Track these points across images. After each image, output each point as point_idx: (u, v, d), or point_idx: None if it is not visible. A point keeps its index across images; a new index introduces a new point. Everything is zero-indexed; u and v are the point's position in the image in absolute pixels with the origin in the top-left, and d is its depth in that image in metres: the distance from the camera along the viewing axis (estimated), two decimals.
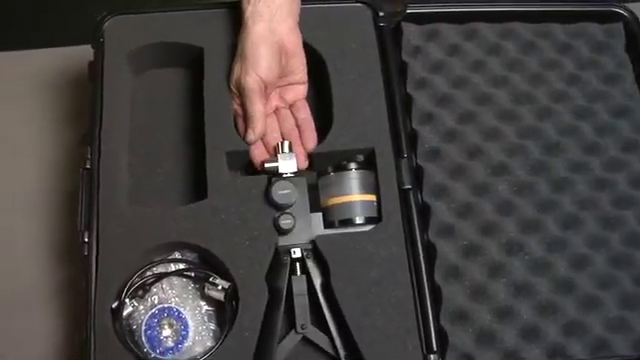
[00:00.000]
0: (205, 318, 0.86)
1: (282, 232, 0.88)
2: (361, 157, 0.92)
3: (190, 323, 0.84)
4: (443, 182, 0.94)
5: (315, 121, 0.96)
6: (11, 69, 1.12)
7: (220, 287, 0.85)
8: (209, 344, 0.85)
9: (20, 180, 1.04)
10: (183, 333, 0.84)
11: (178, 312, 0.84)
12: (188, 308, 0.85)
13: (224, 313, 0.86)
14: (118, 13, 0.98)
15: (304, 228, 0.89)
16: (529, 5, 1.07)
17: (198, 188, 0.93)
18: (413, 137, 0.97)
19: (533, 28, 1.05)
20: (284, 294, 0.86)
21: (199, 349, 0.84)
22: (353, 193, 0.90)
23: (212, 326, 0.86)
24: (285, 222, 0.87)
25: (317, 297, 0.87)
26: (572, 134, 0.99)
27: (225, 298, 0.85)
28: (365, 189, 0.90)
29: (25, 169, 1.05)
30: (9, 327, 0.94)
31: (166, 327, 0.84)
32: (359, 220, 0.89)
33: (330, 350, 0.86)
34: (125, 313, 0.85)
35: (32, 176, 1.04)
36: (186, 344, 0.83)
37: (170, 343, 0.84)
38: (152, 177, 0.96)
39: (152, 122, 0.99)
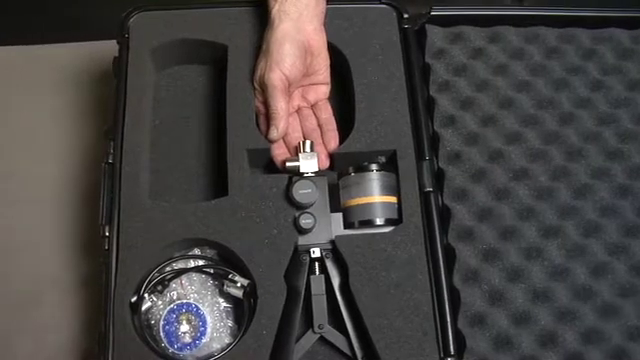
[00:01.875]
0: (223, 315, 0.86)
1: (302, 231, 0.88)
2: (383, 158, 0.92)
3: (208, 319, 0.84)
4: (464, 185, 0.94)
5: (337, 121, 0.96)
6: (37, 63, 1.12)
7: (239, 284, 0.85)
8: (226, 341, 0.85)
9: (43, 173, 1.05)
10: (201, 329, 0.84)
11: (197, 308, 0.84)
12: (207, 304, 0.86)
13: (242, 310, 0.86)
14: (143, 9, 0.99)
15: (324, 228, 0.89)
16: (555, 10, 1.06)
17: (219, 185, 0.93)
18: (435, 140, 0.97)
19: (558, 33, 1.05)
20: (302, 293, 0.86)
21: (216, 345, 0.84)
22: (374, 194, 0.89)
23: (230, 323, 0.86)
24: (305, 222, 0.87)
25: (335, 297, 0.87)
26: (595, 140, 0.98)
27: (244, 295, 0.85)
28: (386, 190, 0.90)
29: (49, 162, 1.05)
30: (28, 318, 0.95)
31: (184, 323, 0.85)
32: (379, 221, 0.89)
33: (347, 350, 0.86)
34: (144, 308, 0.86)
35: (55, 169, 1.05)
36: (204, 340, 0.84)
37: (188, 339, 0.84)
38: (173, 173, 0.96)
39: (174, 118, 1.00)
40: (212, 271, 0.88)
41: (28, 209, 1.02)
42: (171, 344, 0.83)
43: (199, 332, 0.84)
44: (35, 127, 1.08)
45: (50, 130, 1.07)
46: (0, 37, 1.15)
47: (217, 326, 0.85)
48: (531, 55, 1.03)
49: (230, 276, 0.86)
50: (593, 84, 1.02)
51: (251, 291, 0.85)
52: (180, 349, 0.83)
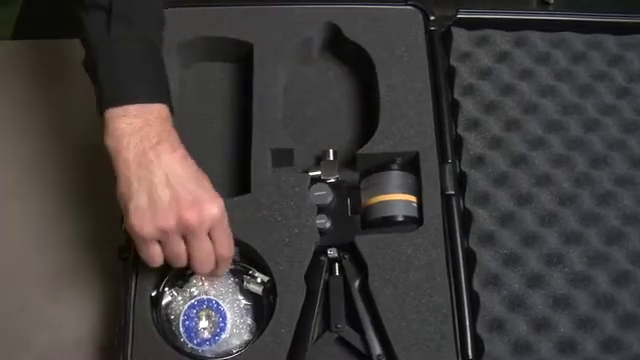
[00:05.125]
0: (243, 312, 0.86)
1: (321, 232, 0.88)
2: (399, 159, 0.92)
3: (228, 316, 0.85)
4: (486, 189, 0.93)
5: (361, 122, 0.96)
6: (63, 55, 1.13)
7: (259, 280, 0.85)
8: (245, 338, 0.85)
9: (60, 162, 1.05)
10: (221, 325, 0.84)
11: (217, 304, 0.85)
12: (227, 301, 0.86)
13: (262, 308, 0.87)
14: (170, 5, 0.98)
15: (343, 229, 0.89)
16: (582, 15, 1.06)
17: (241, 182, 0.93)
18: (458, 143, 0.96)
19: (585, 38, 1.04)
20: (320, 294, 0.87)
21: (235, 342, 0.85)
22: (394, 192, 0.90)
23: (249, 320, 0.86)
24: (319, 222, 0.88)
25: (353, 298, 0.87)
26: (619, 147, 0.97)
27: (263, 292, 0.85)
28: (406, 189, 0.90)
29: (69, 153, 1.06)
30: (47, 309, 0.95)
31: (204, 318, 0.85)
32: (400, 218, 0.89)
33: (364, 351, 0.86)
34: (164, 302, 0.86)
35: (74, 159, 1.05)
36: (223, 336, 0.84)
37: (207, 335, 0.84)
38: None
39: (198, 115, 1.00)
40: (233, 267, 0.88)
41: (47, 200, 1.02)
42: (190, 339, 0.84)
43: (219, 328, 0.84)
44: (60, 117, 1.08)
45: (74, 121, 1.08)
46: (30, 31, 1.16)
47: (237, 323, 0.85)
48: (557, 60, 1.03)
49: (250, 272, 0.86)
50: (619, 91, 1.01)
51: (271, 288, 0.85)
52: (199, 344, 0.84)
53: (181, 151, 0.77)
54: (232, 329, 0.85)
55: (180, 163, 0.76)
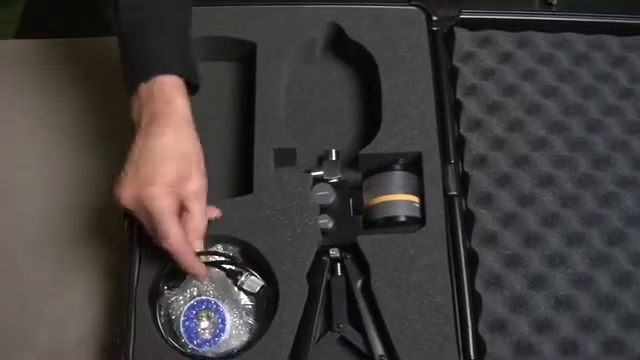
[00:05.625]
0: (243, 312, 0.86)
1: (323, 232, 0.88)
2: (402, 160, 0.92)
3: (227, 316, 0.85)
4: (489, 190, 0.93)
5: (364, 122, 0.95)
6: (66, 54, 1.13)
7: (254, 282, 0.86)
8: (245, 339, 0.85)
9: (62, 159, 1.05)
10: (220, 326, 0.84)
11: (216, 305, 0.85)
12: (226, 301, 0.86)
13: (262, 309, 0.86)
14: None
15: (346, 229, 0.89)
16: (585, 16, 1.06)
17: (243, 182, 0.93)
18: (461, 143, 0.96)
19: (587, 39, 1.04)
20: (322, 293, 0.87)
21: (236, 343, 0.85)
22: (396, 192, 0.90)
23: (250, 321, 0.86)
24: (322, 222, 0.88)
25: (355, 298, 0.87)
26: (622, 149, 0.97)
27: (257, 297, 0.85)
28: (408, 190, 0.90)
29: (76, 148, 1.06)
30: (48, 309, 0.95)
31: (204, 319, 0.85)
32: (402, 218, 0.89)
33: (366, 351, 0.86)
34: (165, 303, 0.86)
35: (80, 156, 1.05)
36: (223, 337, 0.84)
37: (207, 335, 0.84)
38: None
39: (201, 114, 0.99)
40: (233, 267, 0.88)
41: (48, 198, 1.02)
42: (191, 340, 0.84)
43: (218, 329, 0.84)
44: (65, 119, 1.08)
45: (78, 121, 1.08)
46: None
47: (236, 323, 0.85)
48: (559, 61, 1.03)
49: (247, 273, 0.86)
50: (622, 92, 1.01)
51: (270, 289, 0.85)
52: (199, 345, 0.84)
53: (158, 129, 0.79)
54: (231, 330, 0.84)
55: (152, 140, 0.79)
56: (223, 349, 0.84)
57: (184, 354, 0.83)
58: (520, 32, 1.04)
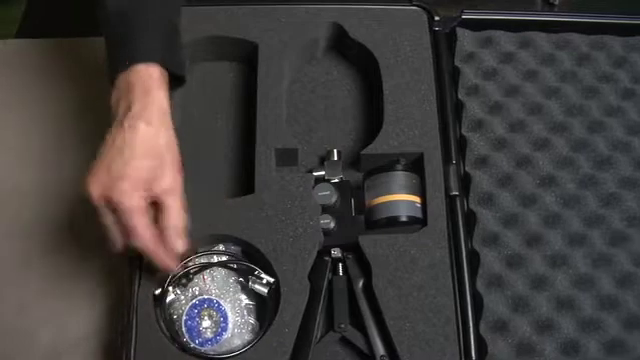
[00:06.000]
0: (245, 312, 0.86)
1: (325, 232, 0.88)
2: (403, 160, 0.92)
3: (229, 315, 0.85)
4: (490, 190, 0.93)
5: (365, 123, 0.95)
6: (67, 54, 1.13)
7: (265, 281, 0.85)
8: (247, 338, 0.85)
9: (67, 161, 1.05)
10: (222, 325, 0.84)
11: (218, 304, 0.85)
12: (228, 300, 0.86)
13: (264, 308, 0.86)
14: None
15: (347, 229, 0.89)
16: (587, 16, 1.06)
17: (245, 182, 0.93)
18: (462, 143, 0.96)
19: (589, 40, 1.04)
20: (323, 293, 0.87)
21: (237, 342, 0.85)
22: (398, 192, 0.90)
23: (251, 320, 0.86)
24: (323, 222, 0.88)
25: (356, 298, 0.87)
26: (624, 149, 0.97)
27: (269, 293, 0.85)
28: (410, 190, 0.90)
29: (75, 150, 1.06)
30: (49, 308, 0.95)
31: (206, 318, 0.85)
32: (404, 218, 0.89)
33: (368, 351, 0.86)
34: (167, 301, 0.86)
35: (80, 157, 1.05)
36: (225, 336, 0.84)
37: (209, 334, 0.84)
38: (200, 169, 0.96)
39: (202, 114, 1.00)
40: (236, 267, 0.88)
41: (50, 197, 1.02)
42: (192, 339, 0.84)
43: (220, 328, 0.84)
44: (67, 118, 1.08)
45: (80, 121, 1.08)
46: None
47: (238, 322, 0.85)
48: (561, 61, 1.03)
49: (256, 273, 0.86)
50: (624, 92, 1.01)
51: (276, 289, 0.85)
52: (201, 344, 0.84)
53: (132, 122, 0.78)
54: (233, 329, 0.84)
55: (124, 133, 0.78)
56: (225, 348, 0.84)
57: (186, 352, 0.83)
58: (522, 32, 1.04)
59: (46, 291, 0.96)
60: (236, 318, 0.86)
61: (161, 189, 0.79)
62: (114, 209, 0.77)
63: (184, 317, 0.85)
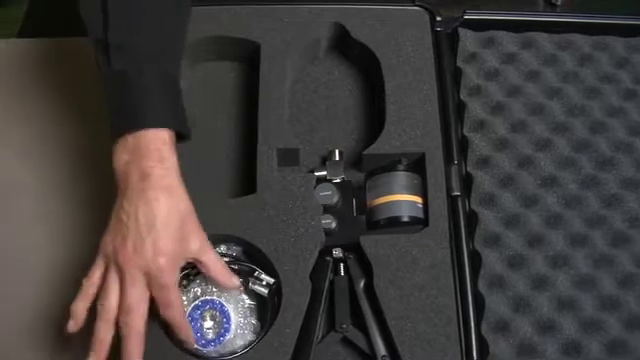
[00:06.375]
0: (247, 312, 0.86)
1: (326, 232, 0.88)
2: (405, 160, 0.92)
3: (232, 316, 0.85)
4: (492, 191, 0.93)
5: (367, 123, 0.95)
6: (68, 53, 1.13)
7: (265, 282, 0.85)
8: (249, 338, 0.85)
9: (68, 160, 1.05)
10: (225, 326, 0.84)
11: (221, 305, 0.85)
12: (231, 301, 0.86)
13: (266, 308, 0.86)
14: None
15: (349, 229, 0.89)
16: (589, 17, 1.06)
17: (247, 182, 0.94)
18: (464, 144, 0.96)
19: (592, 40, 1.04)
20: (325, 293, 0.87)
21: (240, 342, 0.85)
22: (399, 192, 0.90)
23: (254, 320, 0.86)
24: (325, 222, 0.88)
25: (358, 298, 0.87)
26: (626, 150, 0.97)
27: (269, 294, 0.85)
28: (411, 190, 0.90)
29: (76, 150, 1.06)
30: (50, 307, 0.96)
31: (208, 319, 0.85)
32: (405, 218, 0.89)
33: (369, 351, 0.86)
34: None
35: (82, 157, 1.06)
36: (227, 337, 0.84)
37: (212, 335, 0.84)
38: (201, 168, 0.96)
39: (204, 114, 1.00)
40: (237, 267, 0.88)
41: (48, 197, 1.02)
42: (195, 340, 0.84)
43: (223, 329, 0.84)
44: (68, 117, 1.09)
45: (82, 121, 1.08)
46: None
47: (241, 323, 0.85)
48: (563, 62, 1.03)
49: (256, 274, 0.86)
50: (626, 93, 1.01)
51: (276, 290, 0.85)
52: (204, 345, 0.84)
53: (153, 193, 0.77)
54: (236, 330, 0.84)
55: (150, 206, 0.77)
56: (228, 349, 0.84)
57: (189, 353, 0.83)
58: (524, 33, 1.04)
59: (47, 291, 0.96)
60: (239, 319, 0.86)
61: (192, 253, 0.80)
62: (151, 283, 0.77)
63: (187, 318, 0.84)
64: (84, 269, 0.92)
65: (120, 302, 0.77)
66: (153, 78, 0.81)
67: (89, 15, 0.82)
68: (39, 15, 1.22)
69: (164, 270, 0.76)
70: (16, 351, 0.94)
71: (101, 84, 0.82)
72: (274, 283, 0.85)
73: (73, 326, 0.79)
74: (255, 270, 0.86)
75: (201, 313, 0.85)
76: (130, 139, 0.78)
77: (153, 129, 0.79)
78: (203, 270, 0.83)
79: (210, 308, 0.85)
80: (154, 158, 0.78)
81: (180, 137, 0.83)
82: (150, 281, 0.77)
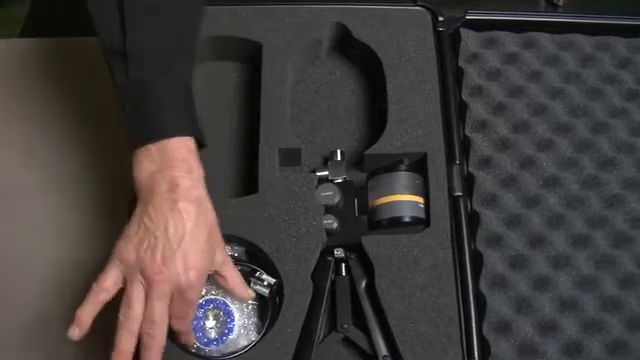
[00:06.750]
0: (251, 312, 0.86)
1: (328, 232, 0.88)
2: (407, 160, 0.92)
3: (236, 316, 0.85)
4: (494, 191, 0.93)
5: (369, 123, 0.95)
6: (70, 53, 1.13)
7: (266, 283, 0.85)
8: (252, 338, 0.85)
9: (64, 156, 1.05)
10: (229, 326, 0.84)
11: (225, 305, 0.85)
12: (236, 301, 0.86)
13: (266, 308, 0.86)
14: None
15: (350, 229, 0.89)
16: (591, 17, 1.06)
17: (248, 182, 0.94)
18: (466, 144, 0.96)
19: (594, 41, 1.04)
20: (326, 294, 0.87)
21: (243, 342, 0.85)
22: (401, 193, 0.90)
23: (256, 320, 0.86)
24: (326, 222, 0.88)
25: (359, 298, 0.87)
26: (627, 150, 0.97)
27: (270, 294, 0.85)
28: (413, 190, 0.90)
29: (79, 149, 1.06)
30: (51, 307, 0.96)
31: (211, 318, 0.85)
32: (407, 219, 0.89)
33: (370, 351, 0.86)
34: None
35: (84, 156, 1.06)
36: (231, 337, 0.84)
37: (214, 335, 0.84)
38: (203, 168, 0.96)
39: (205, 113, 0.99)
40: (240, 268, 0.88)
41: (49, 197, 1.02)
42: (198, 339, 0.84)
43: (227, 329, 0.84)
44: (69, 117, 1.09)
45: (84, 120, 1.08)
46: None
47: (245, 323, 0.85)
48: (565, 62, 1.03)
49: (257, 274, 0.86)
50: (628, 93, 1.01)
51: (277, 289, 0.85)
52: (206, 344, 0.84)
53: (183, 204, 0.75)
54: (240, 330, 0.85)
55: (180, 218, 0.75)
56: (230, 349, 0.84)
57: (190, 353, 0.83)
58: (526, 33, 1.04)
59: (48, 290, 0.96)
60: (243, 319, 0.86)
61: (216, 265, 0.80)
62: (176, 295, 0.75)
63: None
64: (84, 269, 0.93)
65: (145, 313, 0.75)
66: (173, 86, 0.80)
67: (101, 16, 0.81)
68: (41, 15, 1.22)
69: (194, 285, 0.75)
70: (16, 351, 0.94)
71: (117, 93, 0.80)
72: (275, 283, 0.85)
73: (76, 334, 0.76)
74: (256, 270, 0.86)
75: (204, 312, 0.85)
76: (153, 148, 0.76)
77: (177, 138, 0.77)
78: (221, 282, 0.82)
79: (214, 307, 0.85)
80: (182, 168, 0.76)
81: (199, 145, 0.81)
82: (176, 294, 0.75)
